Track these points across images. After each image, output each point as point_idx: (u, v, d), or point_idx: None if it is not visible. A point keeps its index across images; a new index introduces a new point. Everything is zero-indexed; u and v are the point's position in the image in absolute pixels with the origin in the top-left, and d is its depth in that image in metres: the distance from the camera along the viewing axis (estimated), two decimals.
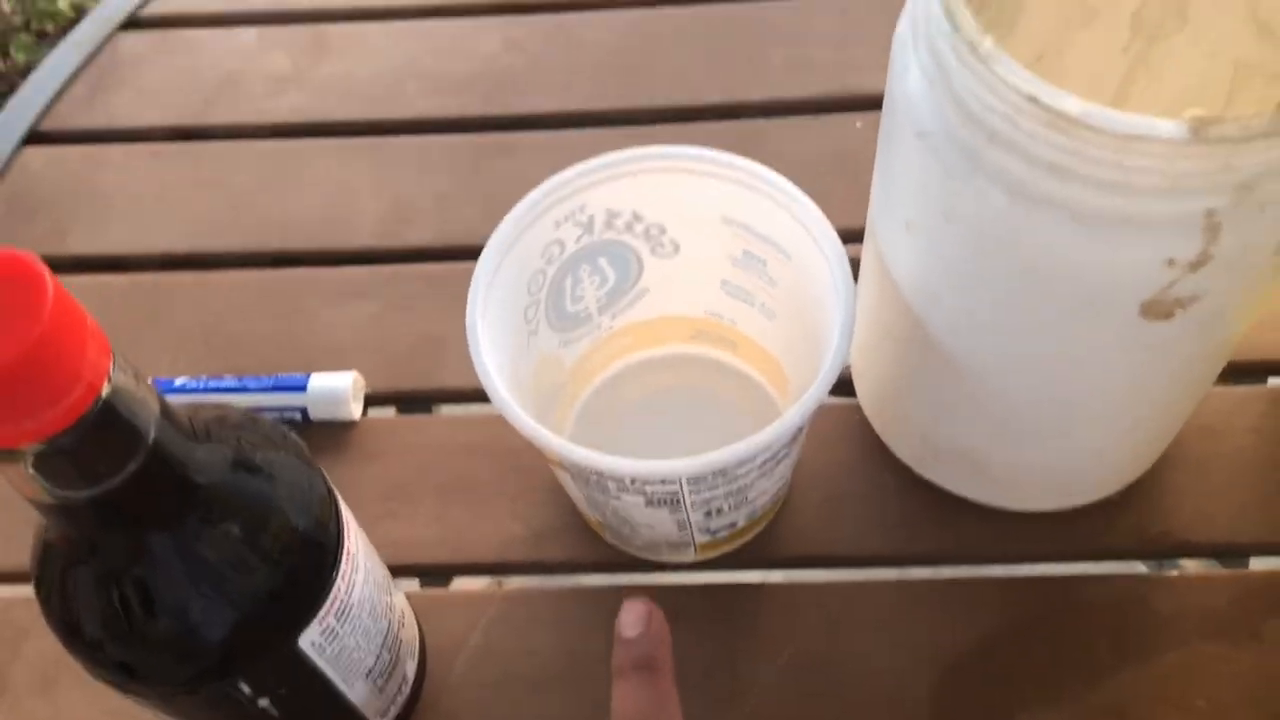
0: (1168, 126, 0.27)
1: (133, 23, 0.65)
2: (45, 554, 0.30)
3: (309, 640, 0.32)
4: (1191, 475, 0.46)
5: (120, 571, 0.29)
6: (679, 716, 0.31)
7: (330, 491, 0.34)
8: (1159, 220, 0.29)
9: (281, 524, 0.31)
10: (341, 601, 0.33)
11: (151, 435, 0.27)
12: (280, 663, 0.32)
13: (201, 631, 0.30)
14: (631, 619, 0.32)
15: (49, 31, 1.68)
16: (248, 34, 0.64)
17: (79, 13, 1.67)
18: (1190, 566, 0.52)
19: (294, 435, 0.33)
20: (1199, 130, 0.27)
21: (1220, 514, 0.45)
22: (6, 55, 1.65)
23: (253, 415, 0.32)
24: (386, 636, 0.37)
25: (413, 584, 0.47)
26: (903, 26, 0.34)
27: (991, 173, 0.30)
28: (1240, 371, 0.49)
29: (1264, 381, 0.50)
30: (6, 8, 1.67)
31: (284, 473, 0.32)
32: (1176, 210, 0.29)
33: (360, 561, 0.34)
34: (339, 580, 0.33)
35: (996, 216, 0.31)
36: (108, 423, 0.26)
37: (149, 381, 0.27)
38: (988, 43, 0.29)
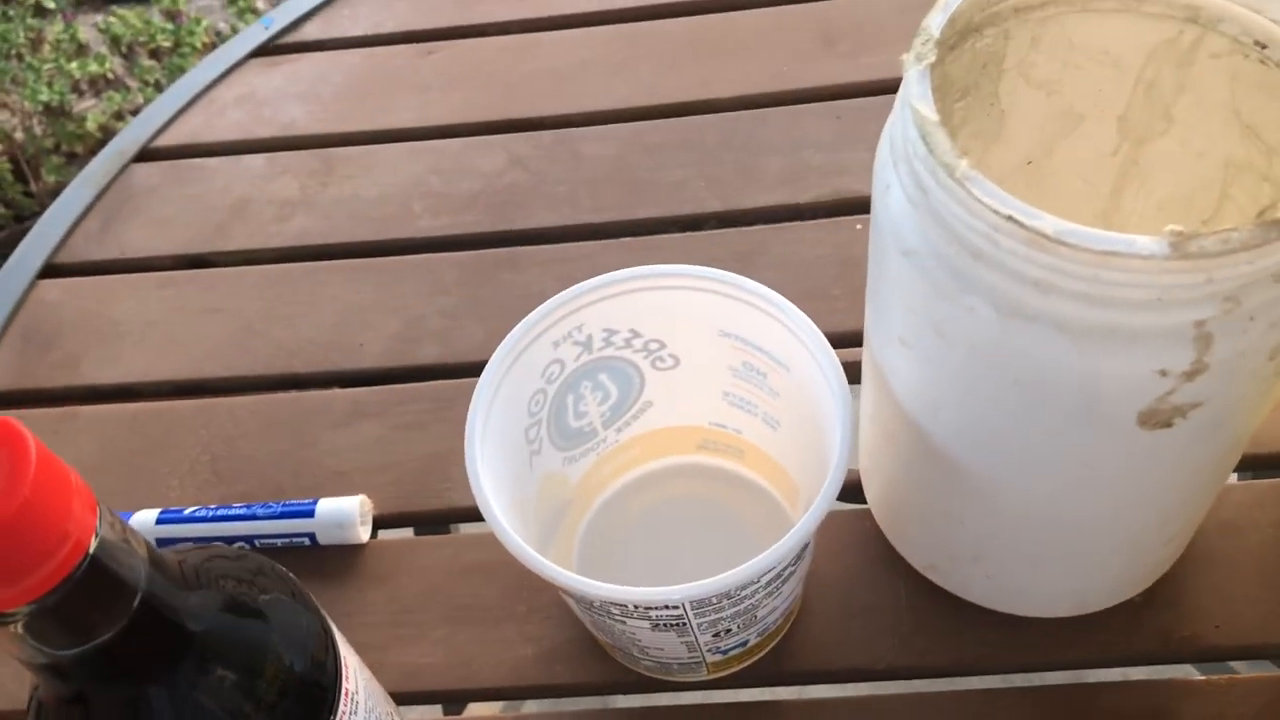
0: (1146, 243, 0.27)
1: (146, 154, 0.67)
2: (38, 715, 0.29)
3: None
4: (1216, 574, 0.45)
5: None
6: None
7: (327, 629, 0.33)
8: (1147, 332, 0.29)
9: (277, 667, 0.30)
10: None
11: (142, 586, 0.27)
12: None
13: None
14: None
15: (78, 153, 1.73)
16: (257, 160, 0.65)
17: (106, 134, 1.72)
18: (1217, 671, 0.50)
19: (288, 573, 0.33)
20: (1178, 246, 0.27)
21: (1248, 614, 0.44)
22: (39, 178, 1.70)
23: (246, 553, 0.32)
24: None
25: (423, 711, 0.46)
26: (883, 146, 0.34)
27: (978, 290, 0.30)
28: (1261, 464, 0.48)
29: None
30: (38, 131, 1.72)
31: (278, 613, 0.31)
32: (1164, 322, 0.29)
33: (360, 700, 0.34)
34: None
35: (986, 332, 0.31)
36: (96, 579, 0.25)
37: (135, 531, 0.27)
38: (964, 165, 0.29)
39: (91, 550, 0.25)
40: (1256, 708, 0.41)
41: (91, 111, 1.74)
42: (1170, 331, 0.29)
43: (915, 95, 0.31)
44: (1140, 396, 0.31)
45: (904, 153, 0.32)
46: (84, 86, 1.76)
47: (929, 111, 0.30)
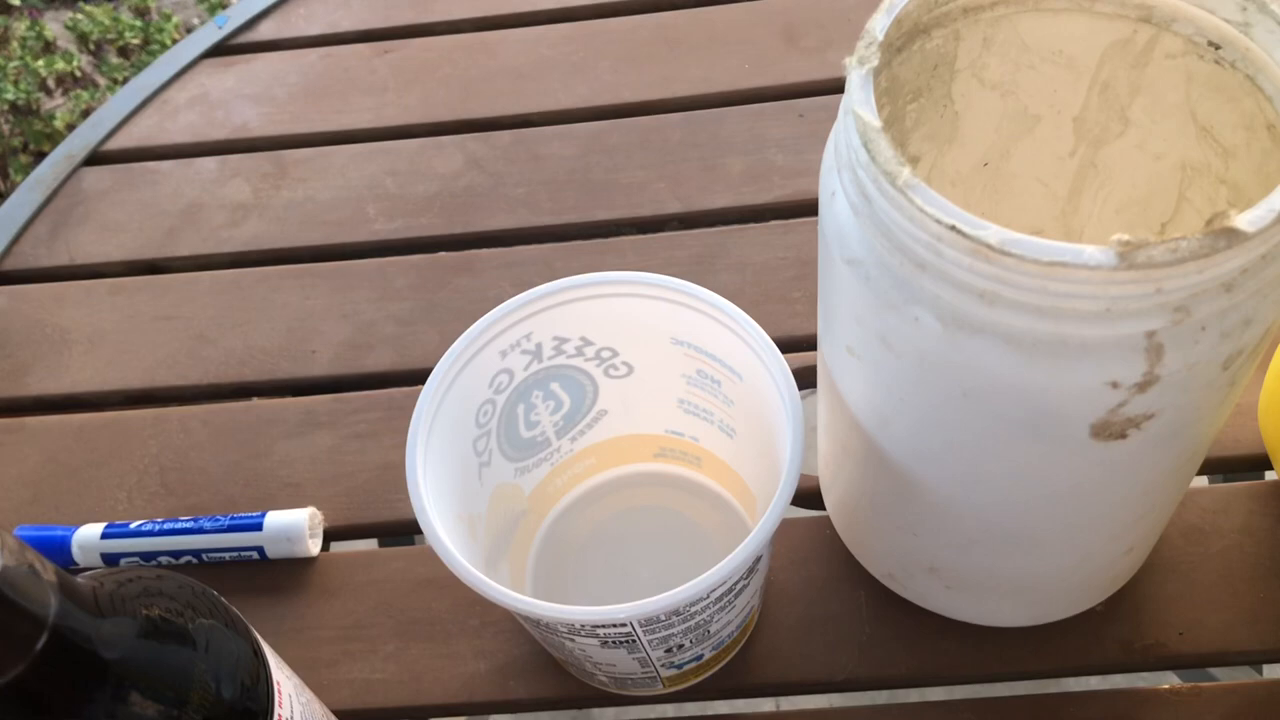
0: (1093, 253, 0.26)
1: (96, 158, 0.65)
2: None
3: None
4: (1180, 581, 0.44)
5: None
6: None
7: (259, 653, 0.32)
8: (1097, 344, 0.28)
9: (203, 694, 0.29)
10: None
11: (51, 616, 0.26)
12: None
13: None
14: None
15: (46, 151, 1.71)
16: (208, 163, 0.64)
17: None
18: (1182, 679, 0.50)
19: (217, 596, 0.32)
20: (1125, 255, 0.26)
21: (1211, 621, 0.43)
22: (6, 177, 1.68)
23: (167, 574, 0.31)
24: None
25: None
26: (828, 153, 0.33)
27: (923, 300, 0.30)
28: (1226, 467, 0.48)
29: (1255, 476, 0.48)
30: (5, 129, 1.70)
31: (205, 638, 0.30)
32: (1114, 334, 0.28)
33: None
34: None
35: (933, 344, 0.30)
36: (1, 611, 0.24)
37: (43, 558, 0.26)
38: (906, 173, 0.28)
39: None
40: (1221, 715, 0.41)
41: (59, 110, 1.72)
42: (1120, 343, 0.28)
43: (858, 100, 0.30)
44: (1092, 409, 0.30)
45: (847, 160, 0.31)
46: (51, 85, 1.73)
47: (871, 117, 0.29)
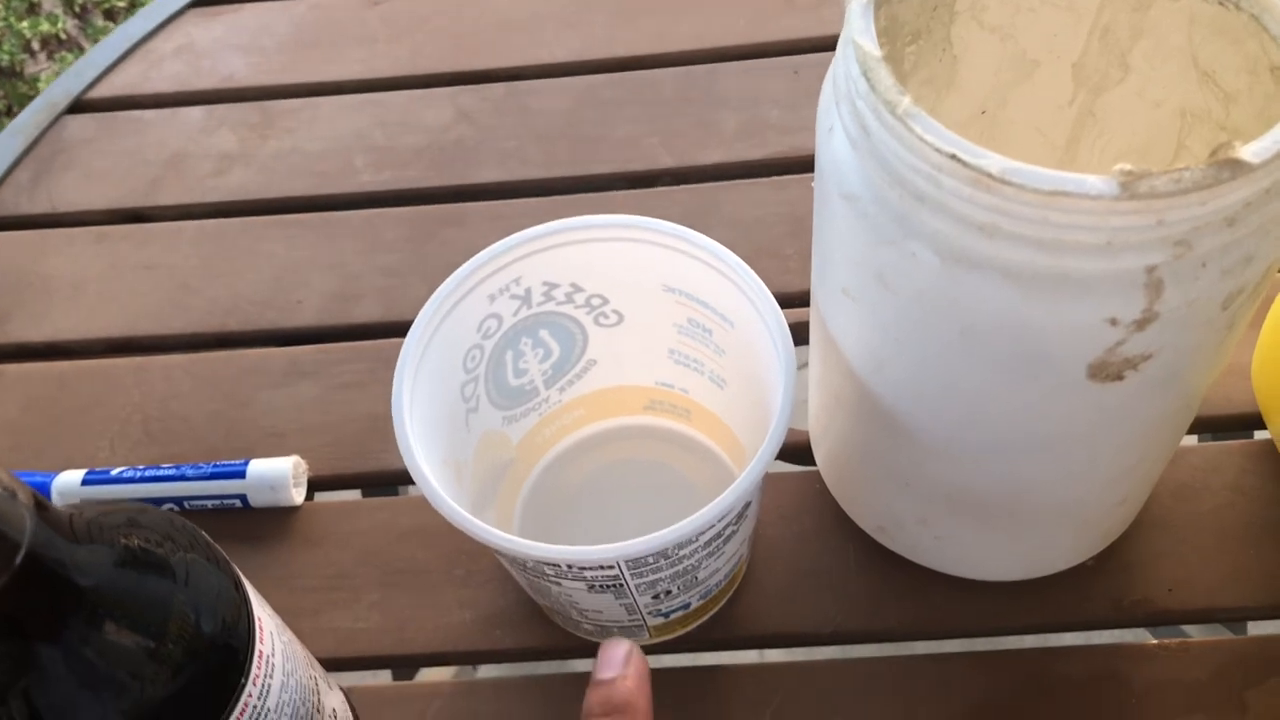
0: (1095, 183, 0.26)
1: (79, 106, 0.64)
2: None
3: None
4: (1170, 538, 0.44)
5: (4, 689, 0.27)
6: None
7: (240, 590, 0.32)
8: (1097, 279, 0.28)
9: (181, 626, 0.29)
10: (254, 708, 0.31)
11: (25, 538, 0.25)
12: None
13: None
14: (608, 658, 0.29)
15: None
16: (194, 113, 0.63)
17: None
18: (1171, 635, 0.50)
19: (199, 531, 0.32)
20: (1128, 185, 0.26)
21: (1201, 578, 0.43)
22: None
23: (148, 509, 0.30)
24: None
25: (363, 676, 0.45)
26: (826, 88, 0.32)
27: (921, 235, 0.29)
28: (1216, 425, 0.47)
29: (1245, 435, 0.48)
30: None
31: (184, 570, 0.30)
32: (1114, 268, 0.27)
33: (278, 664, 0.32)
34: (249, 685, 0.31)
35: (930, 280, 0.29)
36: None
37: (17, 479, 0.25)
38: (906, 101, 0.27)
39: None
40: (1210, 671, 0.41)
41: (44, 73, 1.70)
42: (1120, 278, 0.28)
43: (858, 30, 0.29)
44: (1090, 347, 0.29)
45: (846, 92, 0.30)
46: (36, 47, 1.71)
47: (871, 46, 0.29)
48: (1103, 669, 0.41)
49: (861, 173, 0.30)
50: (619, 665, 0.29)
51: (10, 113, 1.69)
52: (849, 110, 0.30)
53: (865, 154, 0.30)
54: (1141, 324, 0.29)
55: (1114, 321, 0.28)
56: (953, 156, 0.27)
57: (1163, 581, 0.43)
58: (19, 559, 0.25)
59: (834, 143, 0.31)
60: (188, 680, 0.29)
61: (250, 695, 0.31)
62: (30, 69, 1.72)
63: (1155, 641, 0.42)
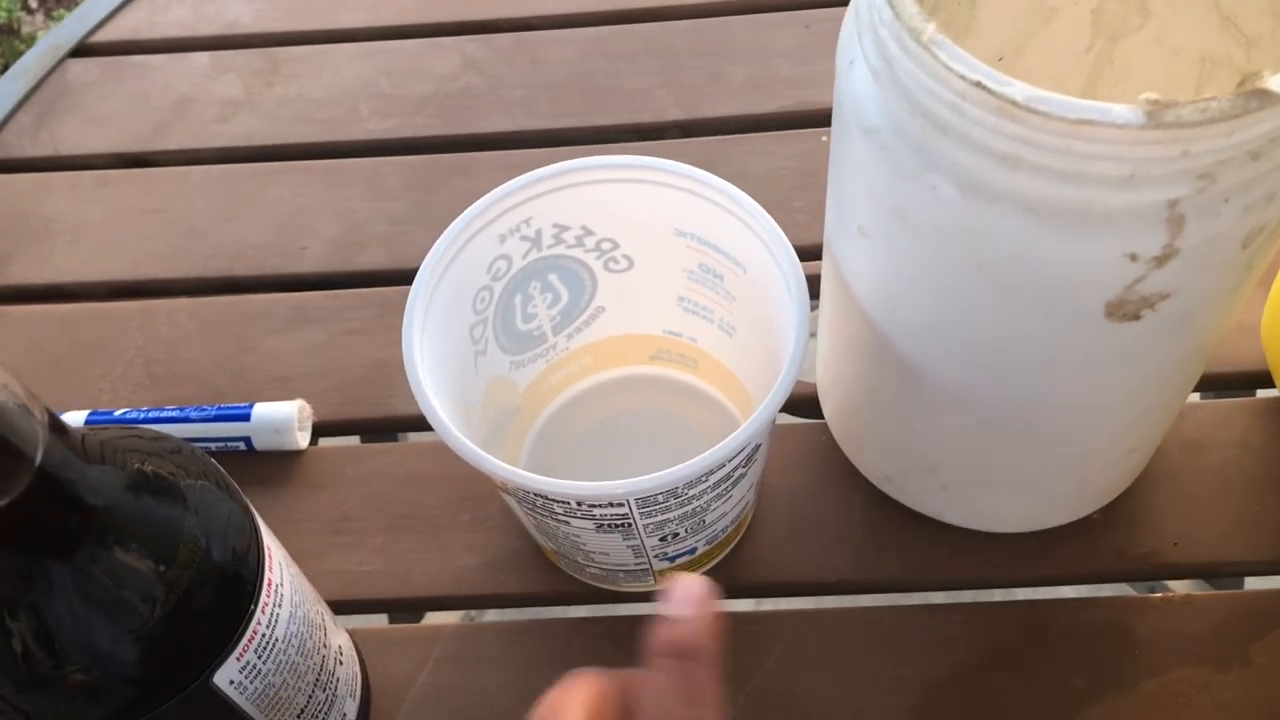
0: (1120, 111, 0.26)
1: (83, 50, 0.63)
2: None
3: (226, 678, 0.30)
4: (1176, 493, 0.44)
5: (12, 605, 0.27)
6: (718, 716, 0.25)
7: (252, 520, 0.32)
8: (1118, 212, 0.28)
9: (191, 551, 0.29)
10: (263, 636, 0.31)
11: (38, 454, 0.25)
12: (195, 703, 0.30)
13: (104, 669, 0.28)
14: (681, 595, 0.25)
15: None
16: (200, 59, 0.62)
17: None
18: (1175, 588, 0.50)
19: (212, 461, 0.31)
20: (1154, 114, 0.25)
21: (1206, 533, 0.43)
22: None
23: (164, 435, 0.30)
24: (321, 674, 0.35)
25: (365, 620, 0.45)
26: (848, 21, 0.32)
27: (942, 167, 0.29)
28: (1224, 383, 0.47)
29: (1249, 393, 0.48)
30: None
31: (197, 498, 0.30)
32: (1136, 201, 0.27)
33: (286, 594, 0.32)
34: (259, 614, 0.31)
35: (949, 213, 0.29)
36: None
37: (36, 396, 0.25)
38: (930, 28, 0.27)
39: None
40: (1213, 623, 0.41)
41: (41, 31, 1.69)
42: (1142, 212, 0.27)
43: None
44: (1109, 284, 0.29)
45: (869, 22, 0.30)
46: (34, 5, 1.70)
47: None
48: (1107, 621, 0.41)
49: (882, 104, 0.30)
50: (692, 604, 0.25)
51: (6, 69, 1.67)
52: (871, 41, 0.30)
53: (887, 85, 0.29)
54: (1161, 260, 0.28)
55: (1134, 257, 0.28)
56: (978, 84, 0.26)
57: (1168, 535, 0.43)
58: (30, 475, 0.25)
59: (854, 76, 0.31)
60: (197, 604, 0.29)
61: (259, 623, 0.31)
62: (27, 28, 1.70)
63: (1159, 594, 0.42)
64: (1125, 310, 0.30)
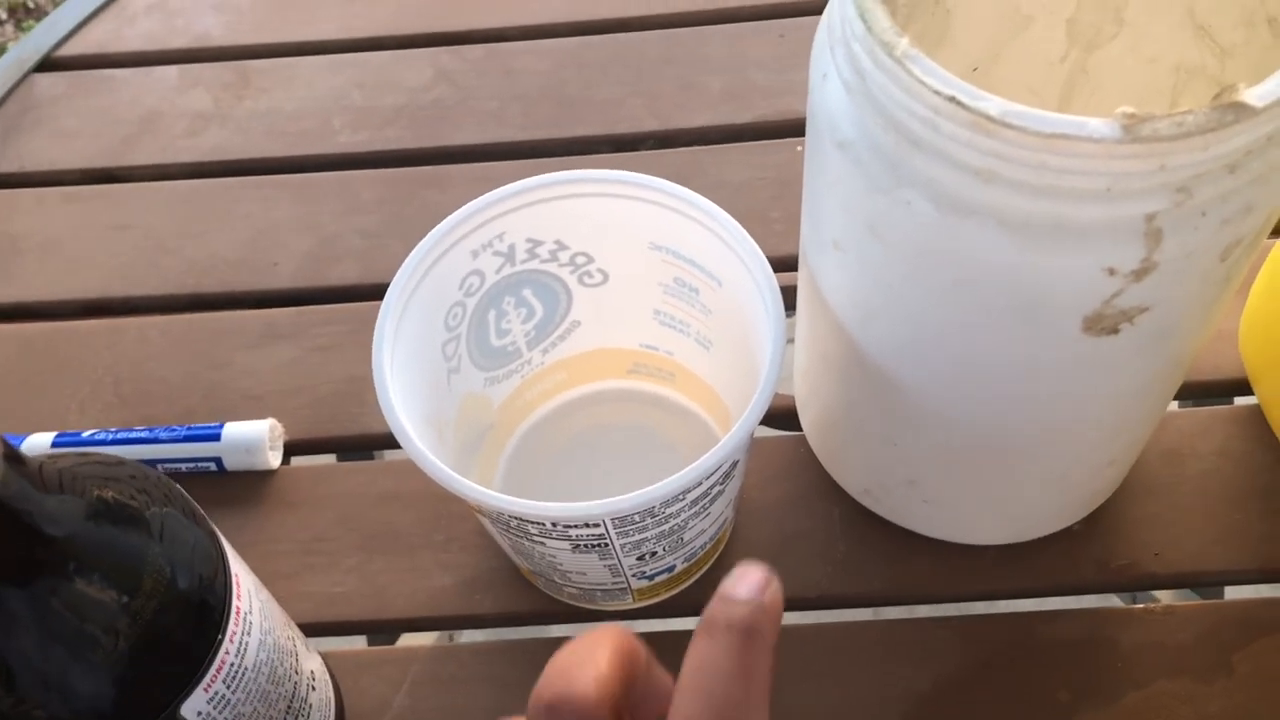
0: (1097, 125, 0.25)
1: (49, 64, 0.63)
2: None
3: (194, 709, 0.29)
4: (1156, 503, 0.43)
5: None
6: (764, 712, 0.23)
7: (218, 546, 0.31)
8: (1095, 227, 0.27)
9: (156, 581, 0.28)
10: (231, 665, 0.30)
11: None
12: None
13: (67, 702, 0.27)
14: (744, 579, 0.24)
15: None
16: (169, 72, 0.61)
17: None
18: (1159, 599, 0.49)
19: (177, 486, 0.31)
20: (1130, 128, 0.25)
21: (1187, 542, 0.43)
22: None
23: (125, 461, 0.30)
24: (293, 702, 0.34)
25: (343, 643, 0.44)
26: (820, 34, 0.32)
27: (916, 182, 0.28)
28: (1203, 391, 0.47)
29: (1228, 401, 0.48)
30: None
31: (161, 525, 0.29)
32: (1113, 215, 0.27)
33: (255, 622, 0.32)
34: (226, 642, 0.30)
35: (924, 228, 0.29)
36: None
37: None
38: (904, 43, 0.27)
39: None
40: (1195, 635, 0.40)
41: (11, 42, 1.67)
42: (1119, 225, 0.27)
43: None
44: (1086, 298, 0.29)
45: (842, 35, 0.29)
46: (3, 15, 1.68)
47: None
48: (1089, 633, 0.41)
49: (856, 118, 0.29)
50: (755, 590, 0.23)
51: None
52: (844, 54, 0.29)
53: (860, 99, 0.29)
54: (1139, 274, 0.28)
55: (1112, 271, 0.28)
56: (952, 99, 0.26)
57: (1149, 545, 0.42)
58: None
59: (828, 89, 0.31)
60: (163, 636, 0.28)
61: (228, 653, 0.30)
62: None
63: (1141, 605, 0.42)
64: (1103, 324, 0.30)
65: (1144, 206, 0.27)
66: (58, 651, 0.26)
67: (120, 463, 0.30)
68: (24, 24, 1.68)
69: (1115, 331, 0.30)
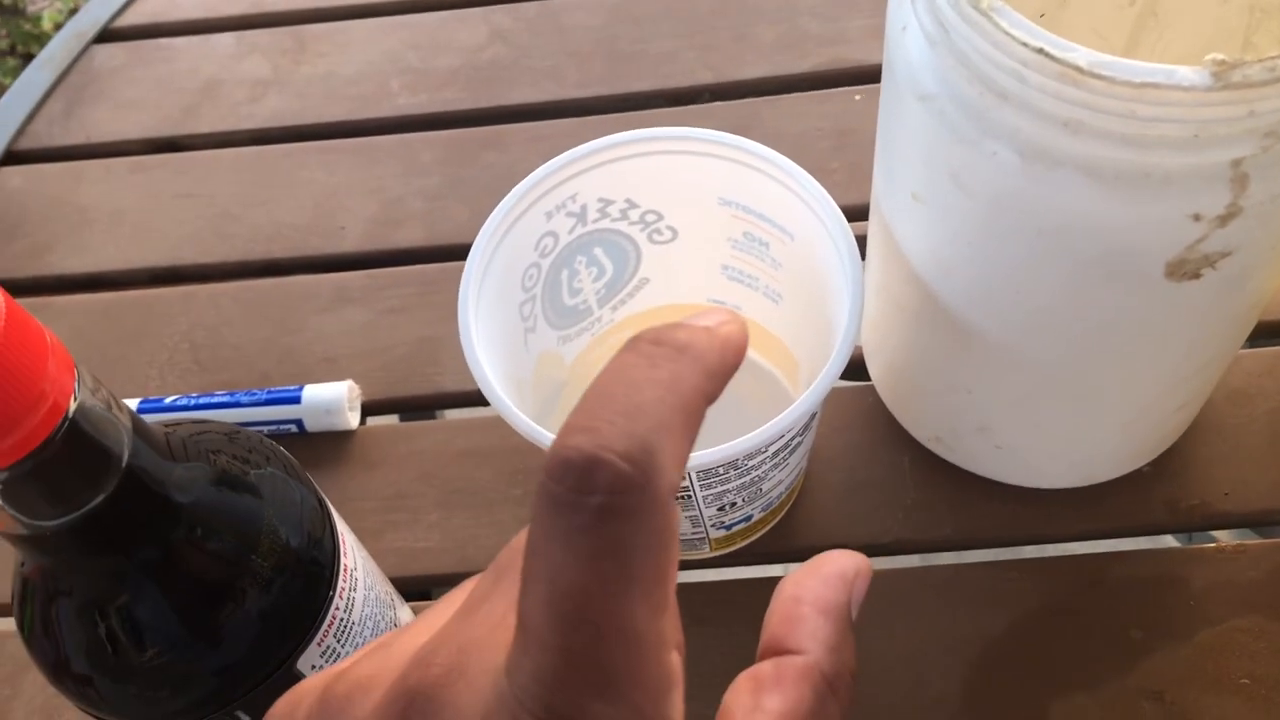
0: (1186, 73, 0.25)
1: (107, 35, 0.63)
2: (24, 589, 0.28)
3: (309, 663, 0.31)
4: (1224, 443, 0.44)
5: (104, 602, 0.27)
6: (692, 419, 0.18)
7: (323, 505, 0.32)
8: (1181, 174, 0.27)
9: (271, 542, 0.29)
10: (341, 620, 0.31)
11: (125, 455, 0.25)
12: (279, 688, 0.30)
13: (193, 660, 0.28)
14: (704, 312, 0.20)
15: (34, 54, 1.67)
16: (225, 39, 0.62)
17: None
18: (1226, 538, 0.50)
19: (281, 449, 0.32)
20: (1220, 75, 0.25)
21: (1256, 482, 0.43)
22: None
23: (236, 429, 0.31)
24: None
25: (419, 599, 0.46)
26: None
27: (1001, 133, 0.29)
28: (1270, 331, 0.47)
29: None
30: None
31: (272, 488, 0.30)
32: (1199, 162, 0.27)
33: (360, 577, 0.33)
34: (336, 598, 0.31)
35: (1009, 180, 0.29)
36: (76, 444, 0.24)
37: (119, 398, 0.26)
38: None
39: (70, 413, 0.24)
40: (1266, 572, 0.41)
41: (47, 10, 1.68)
42: (1206, 172, 0.27)
43: None
44: (1170, 244, 0.29)
45: None
46: None
47: None
48: (1161, 573, 0.41)
49: (938, 71, 0.30)
50: (708, 318, 0.20)
51: (14, 51, 1.67)
52: (925, 6, 0.29)
53: (943, 51, 0.29)
54: (1224, 219, 0.28)
55: (1197, 217, 0.28)
56: (1040, 50, 0.26)
57: (1219, 485, 0.43)
58: (118, 476, 0.25)
59: (907, 41, 0.31)
60: (279, 593, 0.29)
61: (337, 608, 0.31)
62: (33, 6, 1.70)
63: (1212, 545, 0.42)
64: (1186, 269, 0.30)
65: (1231, 152, 0.27)
66: (184, 611, 0.28)
67: (235, 432, 0.31)
68: None
69: (1197, 276, 0.30)
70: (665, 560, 0.17)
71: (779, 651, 0.20)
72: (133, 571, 0.27)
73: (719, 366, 0.19)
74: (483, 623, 0.18)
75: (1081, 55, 0.26)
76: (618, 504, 0.16)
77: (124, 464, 0.25)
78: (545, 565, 0.16)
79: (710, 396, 0.19)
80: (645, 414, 0.17)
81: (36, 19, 1.67)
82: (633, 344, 0.19)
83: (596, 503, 0.16)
